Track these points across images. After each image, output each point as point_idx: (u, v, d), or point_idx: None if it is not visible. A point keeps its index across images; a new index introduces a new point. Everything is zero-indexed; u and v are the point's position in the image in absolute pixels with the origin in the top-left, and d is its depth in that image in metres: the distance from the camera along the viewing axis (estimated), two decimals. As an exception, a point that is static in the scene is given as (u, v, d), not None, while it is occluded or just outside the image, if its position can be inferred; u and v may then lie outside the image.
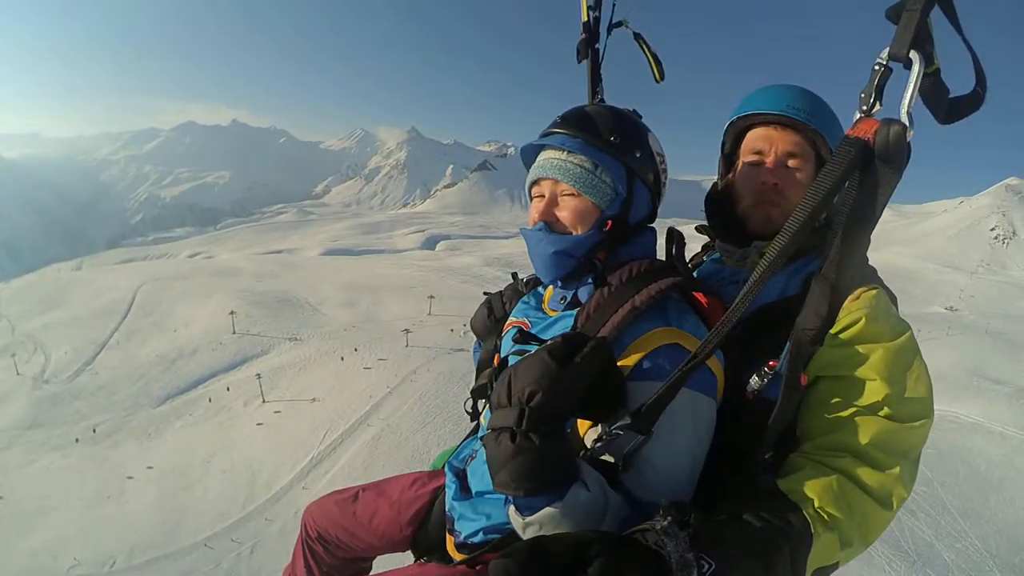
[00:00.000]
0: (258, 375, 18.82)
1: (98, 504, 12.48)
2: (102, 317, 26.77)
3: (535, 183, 2.26)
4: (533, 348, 1.85)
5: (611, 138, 2.14)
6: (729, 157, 2.60)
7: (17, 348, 21.67)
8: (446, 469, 2.66)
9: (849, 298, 1.95)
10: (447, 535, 2.51)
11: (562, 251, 2.15)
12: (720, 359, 1.99)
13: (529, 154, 2.33)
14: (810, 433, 1.95)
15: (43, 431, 16.26)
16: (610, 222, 2.14)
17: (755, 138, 2.45)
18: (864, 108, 1.63)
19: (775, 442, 1.93)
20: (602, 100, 2.97)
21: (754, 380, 1.95)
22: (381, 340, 23.70)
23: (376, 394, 18.49)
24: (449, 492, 2.54)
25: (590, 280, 2.22)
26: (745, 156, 2.47)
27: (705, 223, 2.75)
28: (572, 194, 2.14)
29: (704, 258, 2.82)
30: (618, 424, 1.70)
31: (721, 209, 2.58)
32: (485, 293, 3.03)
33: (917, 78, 1.51)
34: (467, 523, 2.34)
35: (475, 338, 3.05)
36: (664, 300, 2.03)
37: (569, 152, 2.15)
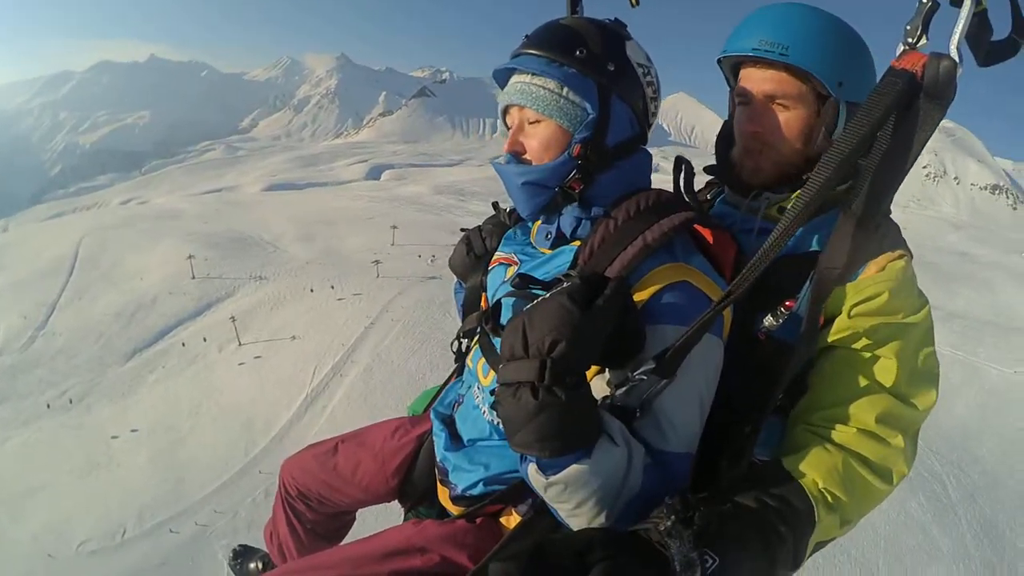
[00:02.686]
0: (232, 318, 18.45)
1: (89, 474, 12.17)
2: (46, 277, 25.92)
3: (506, 112, 2.18)
4: (536, 293, 1.78)
5: (577, 52, 2.01)
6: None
7: None
8: (432, 417, 2.61)
9: (874, 265, 1.97)
10: (439, 486, 2.49)
11: (531, 182, 2.07)
12: None
13: (501, 79, 2.23)
14: (819, 402, 1.97)
15: (8, 406, 15.73)
16: (578, 146, 2.02)
17: (741, 79, 2.32)
18: (910, 40, 1.65)
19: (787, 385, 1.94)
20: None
21: (768, 320, 1.99)
22: (350, 273, 23.54)
23: (358, 326, 18.39)
24: (439, 442, 2.49)
25: (574, 213, 2.15)
26: (736, 97, 2.37)
27: (713, 163, 2.62)
28: (537, 119, 2.06)
29: (708, 195, 2.73)
30: (642, 369, 1.67)
31: (724, 151, 2.50)
32: (463, 229, 2.96)
33: (968, 15, 1.53)
34: (463, 475, 2.31)
35: (455, 278, 2.94)
36: (674, 236, 1.97)
37: (533, 74, 2.06)
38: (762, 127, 2.22)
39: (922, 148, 1.62)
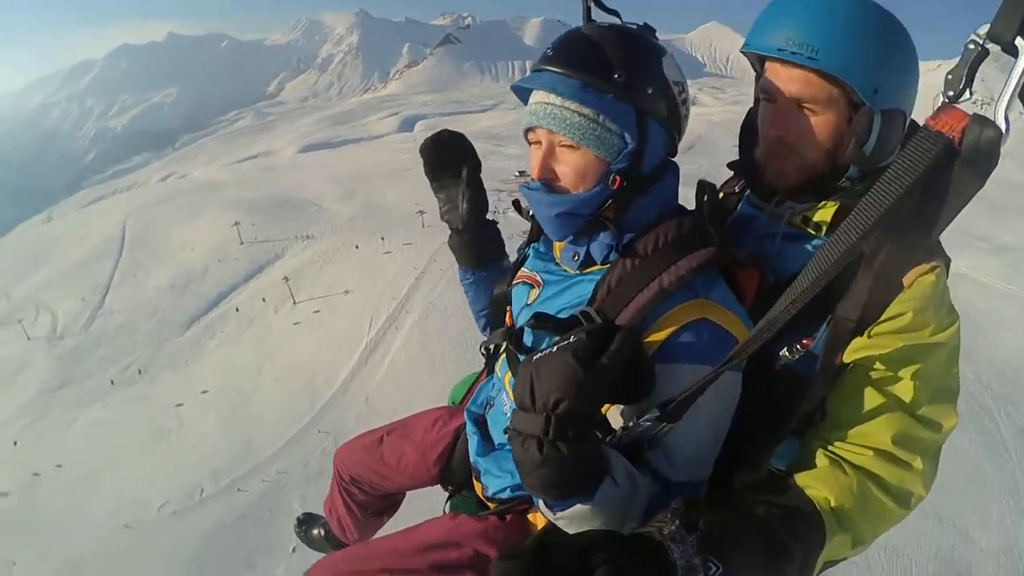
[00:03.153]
0: (285, 278, 18.87)
1: (159, 442, 12.66)
2: (96, 260, 26.66)
3: (530, 129, 2.12)
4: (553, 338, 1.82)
5: (616, 76, 1.93)
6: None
7: (18, 314, 21.65)
8: (466, 417, 2.86)
9: (905, 282, 1.89)
10: (474, 480, 2.75)
11: (565, 212, 2.05)
12: (748, 326, 1.93)
13: (521, 91, 2.15)
14: (835, 422, 1.96)
15: (73, 388, 16.37)
16: (618, 178, 1.99)
17: (767, 73, 2.20)
18: (950, 93, 1.45)
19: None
20: None
21: (784, 354, 1.94)
22: (394, 225, 23.97)
23: (408, 277, 18.80)
24: (472, 444, 2.73)
25: (607, 240, 2.14)
26: (760, 93, 2.25)
27: (736, 160, 2.57)
28: (571, 146, 2.00)
29: (736, 188, 2.68)
30: (647, 416, 1.75)
31: (748, 147, 2.41)
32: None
33: (1022, 73, 1.31)
34: (493, 479, 2.57)
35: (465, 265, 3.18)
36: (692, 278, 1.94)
37: (564, 97, 1.96)
38: (787, 131, 2.15)
39: (955, 214, 1.46)
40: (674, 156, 2.23)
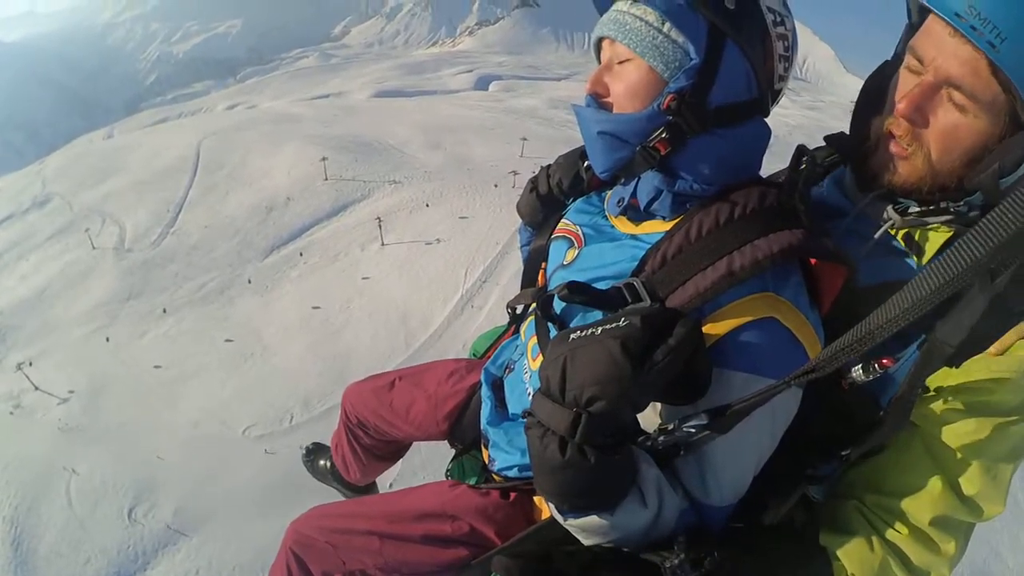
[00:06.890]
0: (378, 218, 19.12)
1: (242, 363, 12.85)
2: (168, 177, 26.90)
3: (599, 45, 1.90)
4: (589, 313, 1.73)
5: None
6: (915, 29, 1.75)
7: (84, 223, 21.94)
8: (482, 378, 2.67)
9: (996, 344, 1.57)
10: (482, 446, 2.58)
11: (608, 132, 1.78)
12: (820, 337, 1.64)
13: (601, 3, 1.90)
14: (879, 484, 1.77)
15: (143, 300, 16.64)
16: (671, 96, 1.67)
17: (925, 34, 1.65)
18: None
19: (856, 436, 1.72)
20: None
21: (857, 372, 1.55)
22: (484, 181, 24.05)
23: (503, 233, 18.98)
24: (484, 409, 2.54)
25: (654, 182, 1.84)
26: (909, 52, 1.72)
27: (840, 132, 2.07)
28: (628, 58, 1.74)
29: (824, 160, 2.17)
30: (693, 423, 1.47)
31: (865, 116, 1.89)
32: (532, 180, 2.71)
33: None
34: (501, 454, 2.38)
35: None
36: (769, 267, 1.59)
37: (632, 1, 1.74)
38: (923, 120, 1.64)
39: None
40: (763, 111, 1.83)
